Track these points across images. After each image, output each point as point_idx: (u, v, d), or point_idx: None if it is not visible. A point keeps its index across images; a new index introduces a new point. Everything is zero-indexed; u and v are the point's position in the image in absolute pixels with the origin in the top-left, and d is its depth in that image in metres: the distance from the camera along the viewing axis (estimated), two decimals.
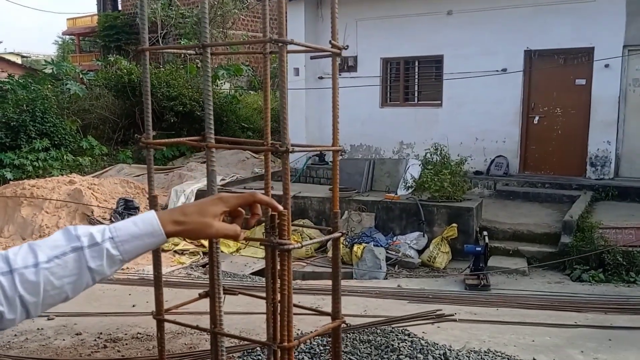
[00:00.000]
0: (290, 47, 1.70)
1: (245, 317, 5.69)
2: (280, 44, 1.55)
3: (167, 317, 2.02)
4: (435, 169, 9.65)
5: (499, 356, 4.06)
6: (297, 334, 4.09)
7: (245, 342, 3.83)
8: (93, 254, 1.02)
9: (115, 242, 1.04)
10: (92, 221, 9.82)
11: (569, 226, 8.61)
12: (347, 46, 1.98)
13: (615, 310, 6.48)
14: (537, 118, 11.82)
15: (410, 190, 10.07)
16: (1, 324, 1.03)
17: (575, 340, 5.71)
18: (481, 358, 3.67)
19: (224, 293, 1.73)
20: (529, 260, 8.57)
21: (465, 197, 9.73)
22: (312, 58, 2.23)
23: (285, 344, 1.54)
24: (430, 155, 10.18)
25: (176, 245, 9.29)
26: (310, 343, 4.10)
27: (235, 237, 1.18)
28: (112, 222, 8.90)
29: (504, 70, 11.68)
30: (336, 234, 1.70)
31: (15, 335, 5.64)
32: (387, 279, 8.47)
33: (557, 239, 8.70)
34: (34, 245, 1.03)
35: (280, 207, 1.31)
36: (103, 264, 1.03)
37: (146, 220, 1.08)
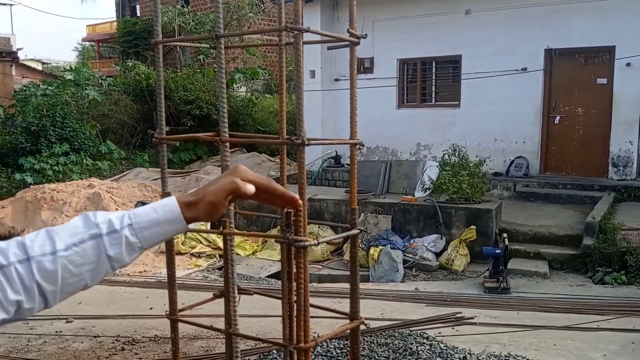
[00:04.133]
0: (306, 39, 1.65)
1: (262, 320, 5.66)
2: (295, 33, 1.51)
3: (181, 317, 2.00)
4: (453, 171, 9.54)
5: None
6: (314, 336, 4.04)
7: (262, 345, 3.80)
8: (112, 241, 0.99)
9: (134, 229, 1.01)
10: None
11: (591, 228, 8.45)
12: (365, 35, 1.93)
13: (638, 313, 6.33)
14: (557, 118, 11.64)
15: (427, 192, 9.96)
16: (20, 314, 1.01)
17: (597, 343, 5.58)
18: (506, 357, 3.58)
19: (239, 293, 1.70)
20: (550, 262, 8.42)
21: (484, 198, 9.60)
22: (329, 49, 2.18)
23: (302, 344, 1.49)
24: (448, 156, 10.08)
25: (193, 248, 9.31)
26: (327, 346, 4.05)
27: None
28: None
29: (524, 69, 11.52)
30: (354, 231, 1.65)
31: (34, 338, 5.67)
32: (404, 282, 8.39)
33: (579, 241, 8.54)
34: (52, 232, 1.00)
35: (297, 199, 1.23)
36: (122, 252, 1.00)
37: (166, 206, 1.04)
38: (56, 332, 5.83)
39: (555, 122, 11.67)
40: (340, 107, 12.83)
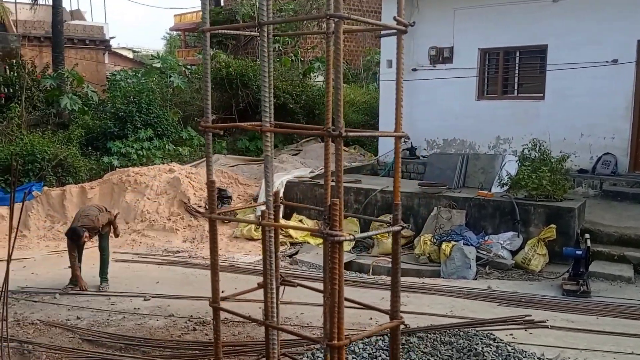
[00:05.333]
0: (348, 26, 1.62)
1: (315, 309, 5.66)
2: (336, 20, 1.47)
3: (228, 301, 2.03)
4: (533, 166, 9.13)
5: None
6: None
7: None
8: None
9: None
10: (188, 208, 10.27)
11: None
12: (414, 23, 1.87)
13: None
14: None
15: (505, 188, 9.60)
16: None
17: None
18: None
19: (282, 284, 1.70)
20: (636, 267, 7.90)
21: (566, 196, 9.13)
22: (377, 37, 2.13)
23: (335, 342, 1.47)
24: (529, 151, 9.65)
25: None
26: (374, 343, 3.92)
27: None
28: (206, 210, 9.16)
29: (615, 61, 10.81)
30: (396, 227, 1.61)
31: (114, 313, 6.01)
32: (476, 279, 8.15)
33: None
34: None
35: None
36: None
37: None
38: (134, 309, 6.16)
39: None
40: (416, 98, 12.59)
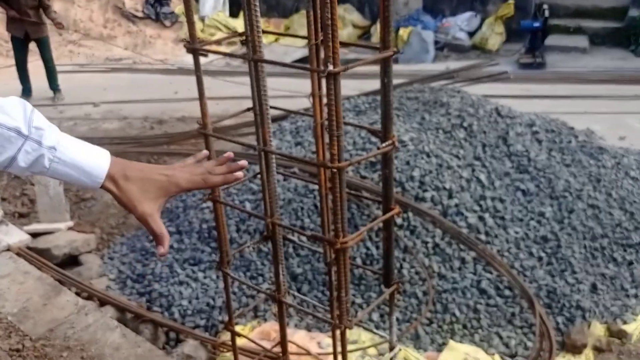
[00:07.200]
0: None
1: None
2: None
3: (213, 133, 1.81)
4: None
5: (552, 120, 3.85)
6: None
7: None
8: (28, 149, 0.91)
9: (54, 157, 0.93)
10: (124, 14, 9.48)
11: None
12: None
13: None
14: None
15: None
16: None
17: (634, 110, 5.44)
18: (535, 115, 3.46)
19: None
20: (591, 37, 7.93)
21: None
22: None
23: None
24: None
25: (212, 35, 8.98)
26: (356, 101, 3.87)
27: (156, 238, 1.00)
28: (144, 14, 8.31)
29: None
30: (386, 53, 1.32)
31: (65, 120, 5.76)
32: (434, 62, 8.09)
33: (624, 13, 7.92)
34: None
35: (240, 175, 1.08)
36: (27, 163, 0.92)
37: (95, 162, 0.96)
38: (85, 114, 5.91)
39: None
40: None
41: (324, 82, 1.45)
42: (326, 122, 1.31)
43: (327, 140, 1.35)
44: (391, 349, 1.89)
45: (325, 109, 1.34)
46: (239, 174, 1.08)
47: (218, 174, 1.06)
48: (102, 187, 0.97)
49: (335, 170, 1.30)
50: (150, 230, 1.00)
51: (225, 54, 6.69)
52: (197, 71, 1.35)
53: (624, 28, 7.74)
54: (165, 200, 1.02)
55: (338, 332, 1.55)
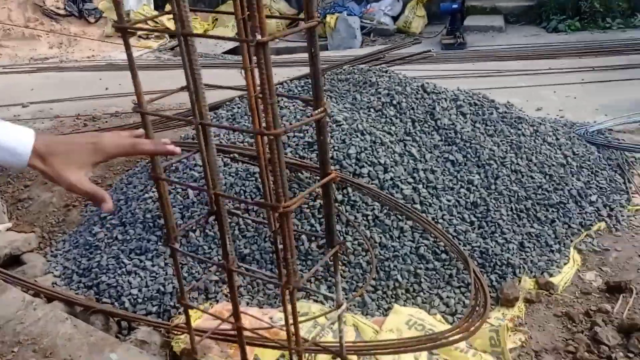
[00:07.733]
0: None
1: None
2: None
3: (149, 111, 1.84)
4: None
5: (475, 94, 4.12)
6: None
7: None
8: None
9: None
10: (46, 12, 9.16)
11: None
12: None
13: (589, 54, 6.52)
14: None
15: None
16: None
17: (548, 83, 5.84)
18: (459, 90, 3.70)
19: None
20: (506, 16, 8.38)
21: None
22: None
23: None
24: None
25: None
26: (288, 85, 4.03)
27: (95, 202, 1.00)
28: (67, 11, 8.11)
29: None
30: (311, 23, 1.35)
31: None
32: (362, 48, 8.31)
33: None
34: None
35: (174, 149, 1.07)
36: None
37: (19, 141, 0.94)
38: (14, 115, 5.72)
39: None
40: None
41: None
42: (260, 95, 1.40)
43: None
44: (339, 306, 2.03)
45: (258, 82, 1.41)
46: (172, 147, 1.09)
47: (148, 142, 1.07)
48: (29, 165, 0.97)
49: (272, 137, 1.39)
50: (84, 194, 1.01)
51: (154, 30, 6.61)
52: (128, 49, 1.37)
53: (536, 6, 8.23)
54: (93, 166, 1.02)
55: (287, 293, 1.67)
